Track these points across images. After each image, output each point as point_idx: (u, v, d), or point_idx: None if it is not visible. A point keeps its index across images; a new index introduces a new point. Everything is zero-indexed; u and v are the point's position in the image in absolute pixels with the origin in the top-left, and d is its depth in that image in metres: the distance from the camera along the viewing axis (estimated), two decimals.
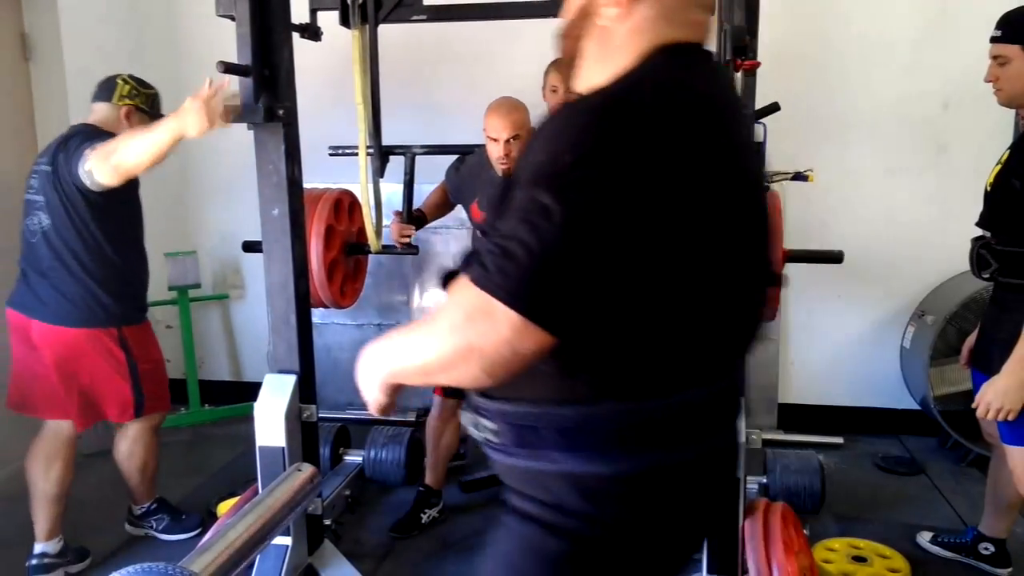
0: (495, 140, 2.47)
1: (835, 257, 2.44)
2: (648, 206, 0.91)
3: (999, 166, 2.13)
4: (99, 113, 2.57)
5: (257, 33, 2.08)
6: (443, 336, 0.95)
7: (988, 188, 2.17)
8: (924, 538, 2.71)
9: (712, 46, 1.26)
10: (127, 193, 2.51)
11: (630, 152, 0.90)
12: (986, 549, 2.58)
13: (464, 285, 0.93)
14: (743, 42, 1.75)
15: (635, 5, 1.02)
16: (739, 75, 1.81)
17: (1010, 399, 1.95)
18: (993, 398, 1.97)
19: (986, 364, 2.12)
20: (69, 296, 2.46)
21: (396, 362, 1.06)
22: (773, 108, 1.96)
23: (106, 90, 2.57)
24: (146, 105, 2.59)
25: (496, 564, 1.14)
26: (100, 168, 2.32)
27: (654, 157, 0.91)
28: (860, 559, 2.52)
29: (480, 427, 1.12)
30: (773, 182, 1.96)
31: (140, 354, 2.58)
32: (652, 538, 1.09)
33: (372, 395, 1.12)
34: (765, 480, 2.70)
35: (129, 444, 2.72)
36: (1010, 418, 1.98)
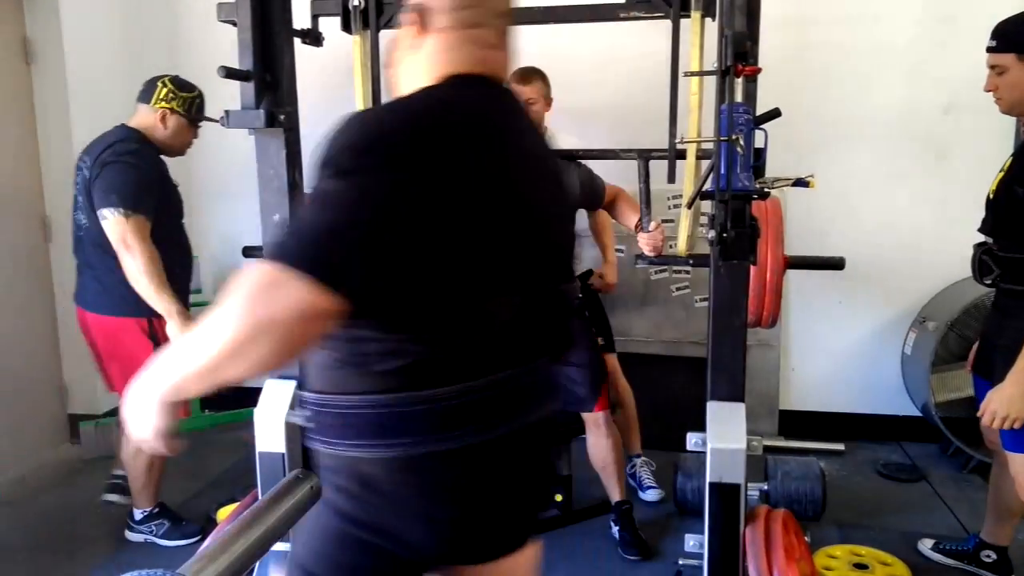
0: None
1: (836, 264, 2.43)
2: (409, 191, 1.06)
3: (1002, 173, 2.14)
4: (139, 115, 2.68)
5: (259, 38, 2.08)
6: (232, 318, 0.98)
7: (991, 195, 2.17)
8: (926, 545, 2.70)
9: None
10: (160, 201, 2.63)
11: (396, 148, 1.07)
12: (988, 556, 2.57)
13: (249, 266, 1.01)
14: (744, 48, 1.75)
15: (422, 41, 1.25)
16: (740, 81, 1.80)
17: (1016, 407, 1.95)
18: (999, 406, 1.97)
19: (988, 370, 2.11)
20: (106, 285, 2.59)
21: (177, 370, 1.06)
22: (774, 114, 1.95)
23: (147, 92, 2.67)
24: (182, 108, 2.67)
25: (295, 541, 1.34)
26: (113, 233, 2.48)
27: (416, 154, 1.07)
28: (861, 566, 2.51)
29: (301, 417, 1.25)
30: (774, 188, 1.95)
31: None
32: (432, 517, 1.22)
33: (147, 422, 1.10)
34: (766, 487, 2.69)
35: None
36: (1016, 426, 1.97)
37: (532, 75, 2.90)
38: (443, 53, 1.25)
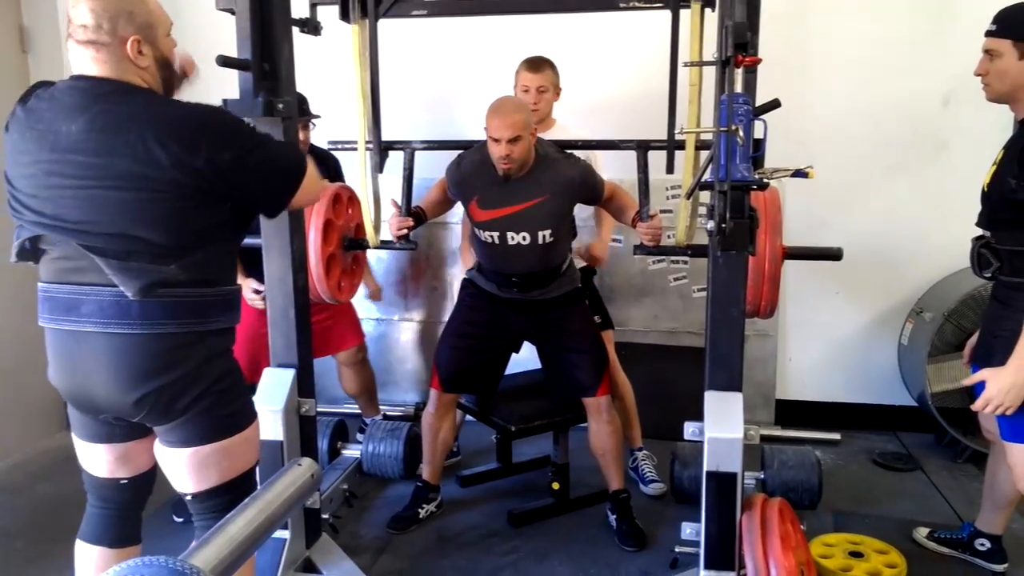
0: (496, 141, 2.47)
1: (834, 254, 2.44)
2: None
3: (995, 166, 2.16)
4: None
5: (257, 27, 2.08)
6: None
7: (985, 188, 2.19)
8: (921, 534, 2.72)
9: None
10: None
11: None
12: (982, 545, 2.59)
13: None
14: (744, 38, 1.75)
15: None
16: (740, 71, 1.80)
17: (1011, 396, 1.95)
18: (996, 393, 1.97)
19: (987, 361, 2.11)
20: None
21: None
22: (774, 104, 1.95)
23: None
24: None
25: None
26: None
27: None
28: (857, 554, 2.53)
29: None
30: (773, 179, 1.96)
31: None
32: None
33: None
34: (763, 475, 2.70)
35: None
36: (1008, 414, 1.98)
37: (542, 64, 2.96)
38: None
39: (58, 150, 1.56)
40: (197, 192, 1.59)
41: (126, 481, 1.84)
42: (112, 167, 1.54)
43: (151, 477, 1.87)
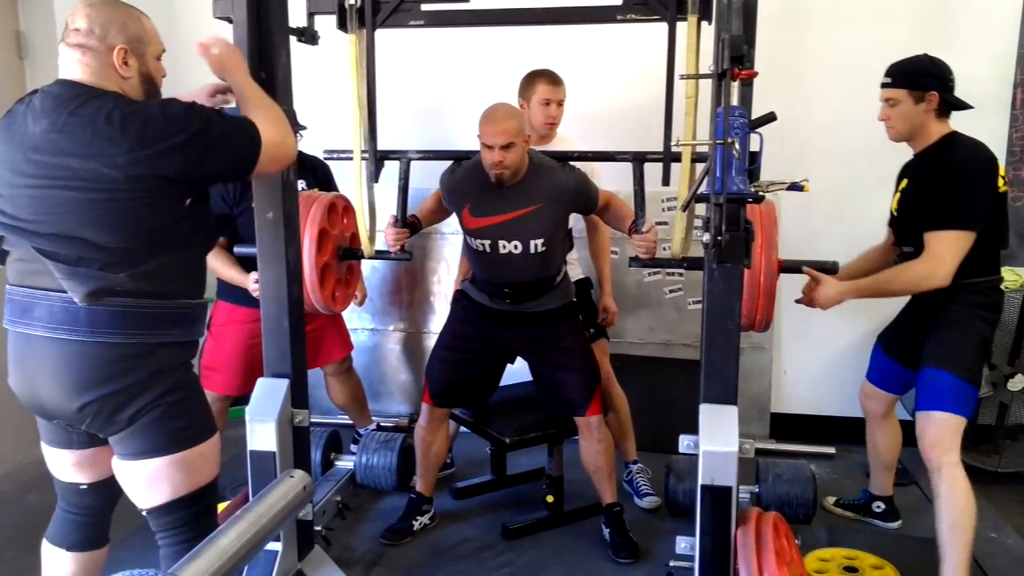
0: (489, 147, 2.47)
1: (829, 268, 2.44)
2: None
3: (899, 194, 2.54)
4: None
5: (255, 36, 2.08)
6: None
7: (895, 213, 2.55)
8: (829, 501, 3.07)
9: None
10: None
11: None
12: (878, 507, 2.95)
13: None
14: (740, 52, 1.75)
15: None
16: (736, 84, 1.81)
17: (826, 301, 2.40)
18: (819, 295, 2.40)
19: (903, 353, 2.64)
20: None
21: None
22: (770, 118, 1.96)
23: None
24: None
25: None
26: None
27: None
28: (852, 569, 2.52)
29: None
30: (768, 192, 1.96)
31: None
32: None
33: None
34: (757, 489, 2.69)
35: None
36: (812, 305, 2.44)
37: (559, 77, 3.02)
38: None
39: (23, 149, 1.59)
40: (151, 187, 1.59)
41: (86, 486, 1.85)
42: (66, 166, 1.56)
43: (114, 484, 1.85)
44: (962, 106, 2.43)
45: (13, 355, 1.71)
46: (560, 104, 3.00)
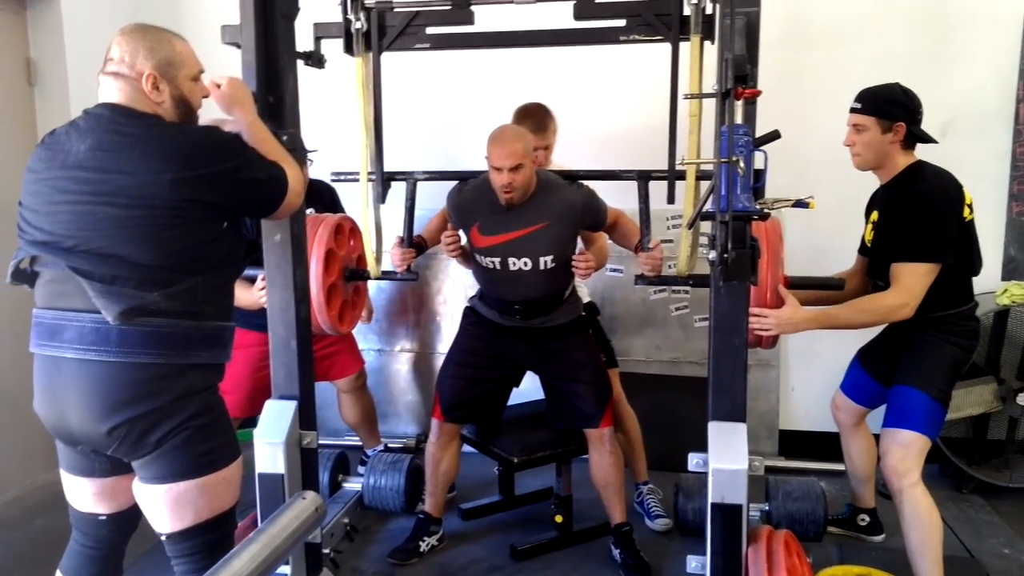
0: (498, 169, 2.49)
1: (835, 284, 2.44)
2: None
3: (871, 224, 2.55)
4: None
5: (262, 61, 2.10)
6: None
7: (868, 244, 2.56)
8: None
9: None
10: None
11: None
12: (863, 520, 2.94)
13: None
14: (744, 71, 1.77)
15: None
16: (740, 103, 1.82)
17: (783, 328, 2.27)
18: (776, 321, 2.25)
19: (882, 372, 2.62)
20: None
21: None
22: (774, 136, 1.97)
23: None
24: None
25: None
26: None
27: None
28: None
29: None
30: (774, 209, 1.96)
31: None
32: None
33: None
34: (767, 507, 2.68)
35: None
36: (765, 332, 2.27)
37: (544, 125, 2.94)
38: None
39: (66, 167, 1.63)
40: (192, 207, 1.63)
41: (104, 517, 1.83)
42: (110, 183, 1.59)
43: (132, 516, 1.85)
44: (927, 139, 2.44)
45: (40, 379, 1.71)
46: (546, 149, 2.94)
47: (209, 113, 1.88)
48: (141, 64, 1.68)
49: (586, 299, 3.11)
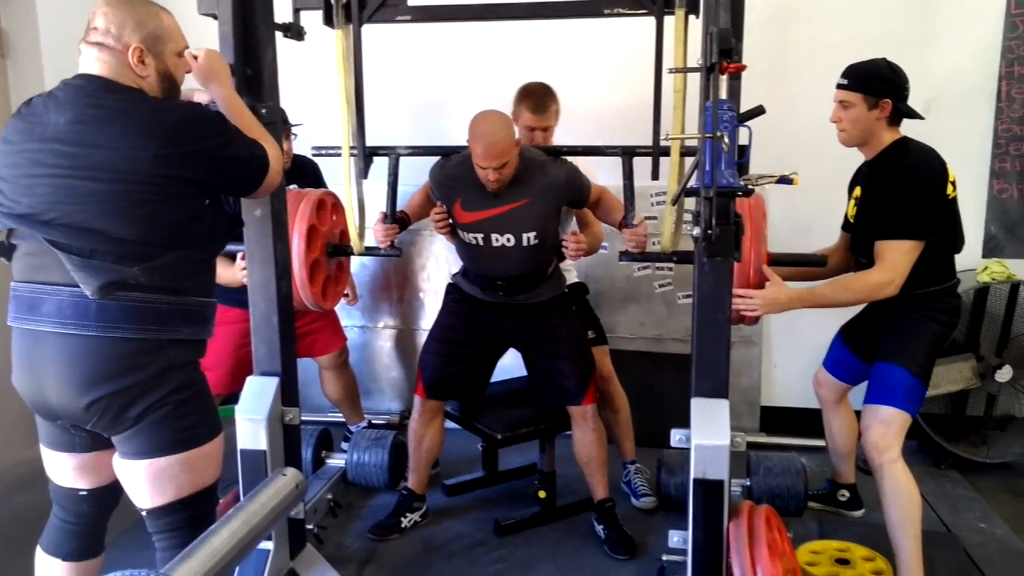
0: (482, 167, 2.46)
1: (818, 261, 2.45)
2: None
3: (854, 200, 2.54)
4: None
5: (240, 32, 2.06)
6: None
7: (851, 219, 2.56)
8: None
9: None
10: None
11: None
12: (843, 496, 2.98)
13: None
14: (729, 45, 1.75)
15: None
16: (724, 78, 1.80)
17: (768, 308, 2.27)
18: (761, 302, 2.25)
19: (864, 348, 2.63)
20: None
21: None
22: (758, 111, 1.96)
23: None
24: None
25: None
26: None
27: None
28: (843, 561, 2.53)
29: None
30: (758, 185, 1.96)
31: None
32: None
33: None
34: (749, 483, 2.70)
35: None
36: (749, 313, 2.28)
37: (546, 105, 2.94)
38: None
39: (44, 140, 1.59)
40: (173, 183, 1.61)
41: (85, 492, 1.82)
42: (92, 157, 1.56)
43: (113, 491, 1.84)
44: (913, 115, 2.43)
45: (18, 353, 1.69)
46: (546, 130, 2.92)
47: (183, 85, 1.84)
48: (128, 36, 1.65)
49: (573, 279, 3.10)
